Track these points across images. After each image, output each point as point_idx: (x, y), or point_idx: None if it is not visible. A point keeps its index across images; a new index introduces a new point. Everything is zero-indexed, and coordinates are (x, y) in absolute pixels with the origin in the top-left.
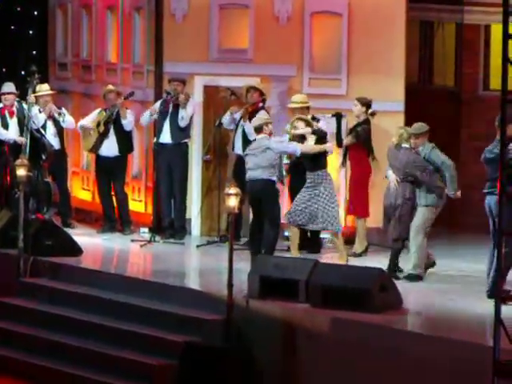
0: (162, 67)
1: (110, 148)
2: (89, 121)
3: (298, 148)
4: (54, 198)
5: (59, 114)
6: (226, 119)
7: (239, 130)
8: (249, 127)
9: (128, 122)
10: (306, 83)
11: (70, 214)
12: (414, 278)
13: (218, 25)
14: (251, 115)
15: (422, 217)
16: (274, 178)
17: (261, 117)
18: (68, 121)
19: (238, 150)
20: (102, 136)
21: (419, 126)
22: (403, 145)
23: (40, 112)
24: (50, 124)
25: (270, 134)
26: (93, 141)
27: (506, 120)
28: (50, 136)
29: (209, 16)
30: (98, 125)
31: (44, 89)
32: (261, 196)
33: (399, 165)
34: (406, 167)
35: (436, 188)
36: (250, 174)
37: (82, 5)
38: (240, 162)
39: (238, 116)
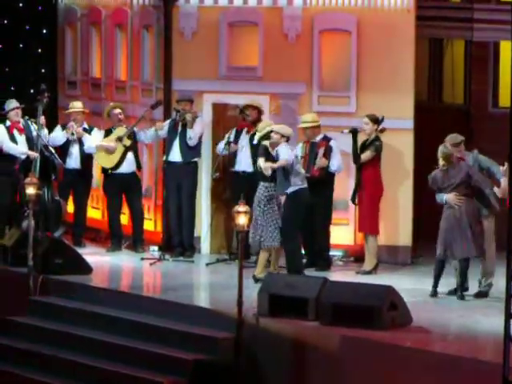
0: (171, 85)
1: (129, 164)
2: (105, 140)
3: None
4: (64, 217)
5: (72, 133)
6: (221, 148)
7: (246, 147)
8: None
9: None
10: (316, 101)
11: (83, 234)
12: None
13: (227, 42)
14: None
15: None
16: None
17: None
18: (87, 144)
19: (241, 166)
20: (128, 149)
21: (454, 136)
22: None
23: (65, 129)
24: (74, 142)
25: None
26: (117, 157)
27: None
28: (71, 154)
29: (218, 33)
30: (120, 140)
31: (76, 106)
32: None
33: (460, 179)
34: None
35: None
36: None
37: (91, 23)
38: (239, 179)
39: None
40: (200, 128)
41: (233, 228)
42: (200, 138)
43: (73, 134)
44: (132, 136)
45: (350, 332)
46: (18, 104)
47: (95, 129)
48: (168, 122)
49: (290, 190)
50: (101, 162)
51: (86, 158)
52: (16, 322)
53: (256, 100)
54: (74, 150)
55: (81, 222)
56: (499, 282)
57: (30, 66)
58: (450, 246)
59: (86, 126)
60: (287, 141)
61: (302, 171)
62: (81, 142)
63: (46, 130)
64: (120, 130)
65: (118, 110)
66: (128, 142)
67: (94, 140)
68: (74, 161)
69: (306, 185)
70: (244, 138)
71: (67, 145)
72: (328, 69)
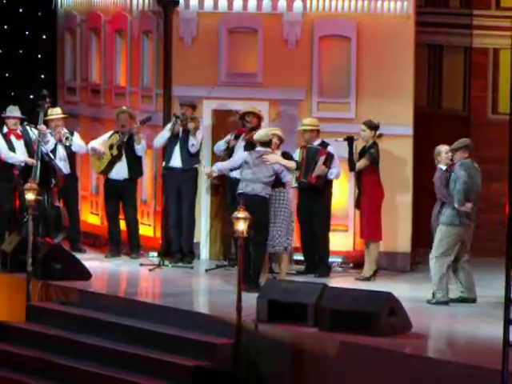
0: (171, 91)
1: (119, 171)
2: (100, 143)
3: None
4: (64, 223)
5: (66, 138)
6: (220, 147)
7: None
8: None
9: (141, 147)
10: (315, 107)
11: (80, 239)
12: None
13: (227, 48)
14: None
15: (438, 235)
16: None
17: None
18: (77, 144)
19: (234, 172)
20: (115, 159)
21: (457, 142)
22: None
23: (51, 135)
24: (60, 148)
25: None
26: (105, 163)
27: None
28: (60, 160)
29: (218, 40)
30: (111, 147)
31: (55, 112)
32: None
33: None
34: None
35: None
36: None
37: (90, 28)
38: (233, 184)
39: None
40: (201, 135)
41: (231, 234)
42: (200, 144)
43: (67, 138)
44: (123, 146)
45: (349, 338)
46: (20, 114)
47: (75, 132)
48: (170, 125)
49: None
50: (92, 163)
51: (74, 163)
52: (15, 328)
53: (255, 106)
54: (62, 155)
55: (76, 227)
56: (498, 288)
57: (29, 72)
58: None
59: (66, 130)
60: (263, 145)
61: (247, 177)
62: (66, 147)
63: (48, 135)
64: (114, 138)
65: (125, 116)
66: (115, 152)
67: (80, 142)
68: (63, 166)
69: (242, 190)
70: (240, 144)
71: (54, 151)
72: (328, 75)
